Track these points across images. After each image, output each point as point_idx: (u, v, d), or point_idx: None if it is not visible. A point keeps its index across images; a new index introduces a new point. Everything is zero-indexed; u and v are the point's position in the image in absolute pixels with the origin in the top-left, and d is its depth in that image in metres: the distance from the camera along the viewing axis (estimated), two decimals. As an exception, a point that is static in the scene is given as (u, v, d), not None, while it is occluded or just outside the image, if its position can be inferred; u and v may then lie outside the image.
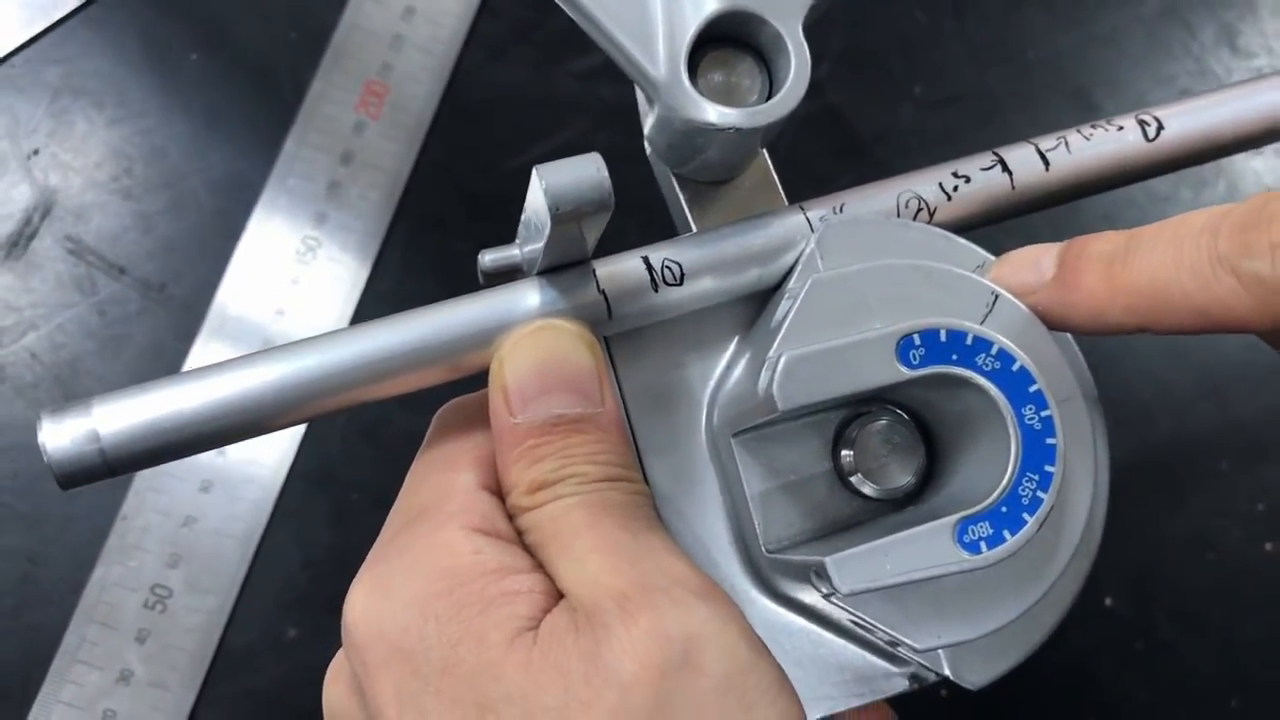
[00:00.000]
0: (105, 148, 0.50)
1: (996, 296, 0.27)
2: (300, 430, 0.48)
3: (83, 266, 0.49)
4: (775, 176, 0.32)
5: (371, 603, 0.26)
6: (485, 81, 0.53)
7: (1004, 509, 0.25)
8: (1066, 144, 0.32)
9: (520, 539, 0.27)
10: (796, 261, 0.29)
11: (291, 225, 0.50)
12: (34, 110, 0.50)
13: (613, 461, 0.27)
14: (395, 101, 0.52)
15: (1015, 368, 0.26)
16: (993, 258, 0.29)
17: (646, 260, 0.29)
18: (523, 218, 0.28)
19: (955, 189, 0.31)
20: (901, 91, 0.56)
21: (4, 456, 0.46)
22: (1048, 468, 0.25)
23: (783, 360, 0.26)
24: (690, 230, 0.31)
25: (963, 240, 0.29)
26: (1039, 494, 0.25)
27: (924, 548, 0.25)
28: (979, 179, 0.31)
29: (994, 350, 0.26)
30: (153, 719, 0.44)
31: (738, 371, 0.30)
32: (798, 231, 0.30)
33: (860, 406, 0.30)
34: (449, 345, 0.28)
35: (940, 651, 0.28)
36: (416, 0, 0.53)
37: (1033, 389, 0.26)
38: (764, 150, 0.32)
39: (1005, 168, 0.31)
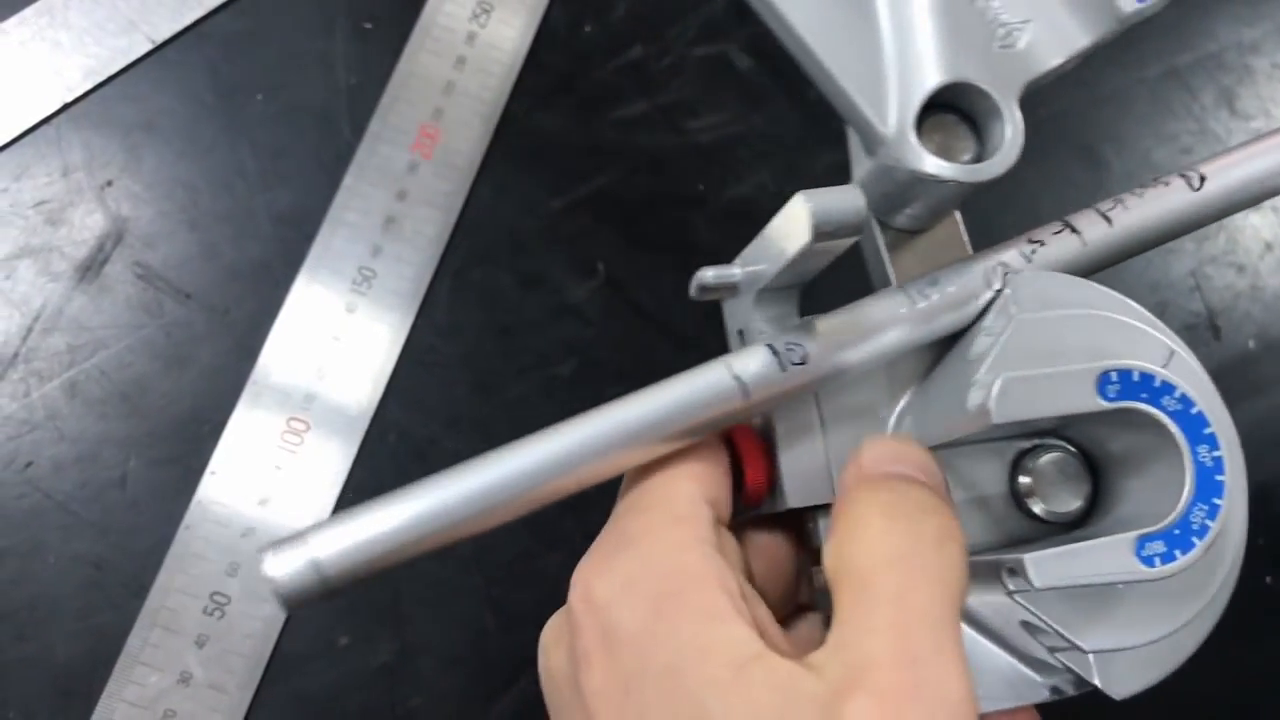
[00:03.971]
0: (174, 181, 0.53)
1: (1173, 352, 0.31)
2: (353, 449, 0.50)
3: (151, 291, 0.52)
4: (964, 230, 0.36)
5: (605, 588, 0.27)
6: (531, 127, 0.57)
7: (1176, 531, 0.28)
8: (1123, 203, 0.35)
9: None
10: (987, 306, 0.33)
11: (349, 256, 0.53)
12: (108, 145, 0.53)
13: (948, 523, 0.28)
14: (447, 144, 0.55)
15: (1194, 411, 0.29)
16: (1160, 325, 0.32)
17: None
18: (755, 244, 0.32)
19: (1034, 253, 0.34)
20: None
21: (74, 467, 0.49)
22: (1216, 500, 0.28)
23: (1000, 380, 0.28)
24: (884, 269, 0.35)
25: (1134, 303, 0.32)
26: (1207, 522, 0.28)
27: (1108, 556, 0.28)
28: (1051, 242, 0.34)
29: (1177, 394, 0.29)
30: (210, 719, 0.46)
31: (932, 392, 0.34)
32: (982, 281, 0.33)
33: (1035, 439, 0.33)
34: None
35: (1092, 663, 0.30)
36: (468, 51, 0.57)
37: (1207, 431, 0.29)
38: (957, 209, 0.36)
39: (1073, 229, 0.34)
